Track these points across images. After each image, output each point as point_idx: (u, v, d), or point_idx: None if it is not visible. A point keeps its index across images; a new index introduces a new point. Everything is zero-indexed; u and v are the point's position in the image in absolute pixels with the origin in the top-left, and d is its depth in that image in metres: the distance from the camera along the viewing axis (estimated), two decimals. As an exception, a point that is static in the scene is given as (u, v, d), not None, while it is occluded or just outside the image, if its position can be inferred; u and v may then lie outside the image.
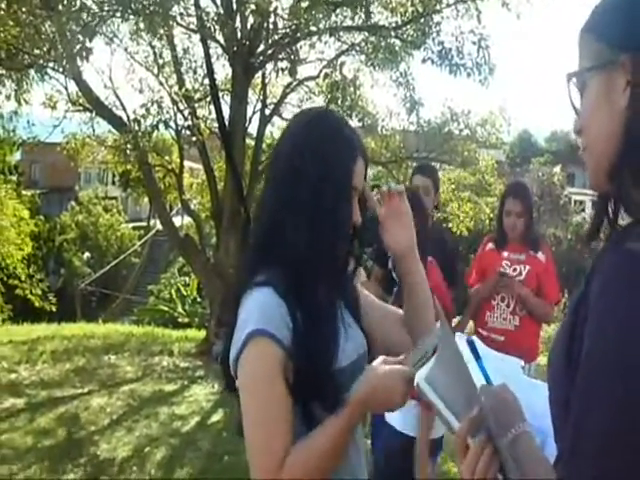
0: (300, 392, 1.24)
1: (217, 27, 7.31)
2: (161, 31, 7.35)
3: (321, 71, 8.98)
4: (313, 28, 7.16)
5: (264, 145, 9.53)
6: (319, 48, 8.72)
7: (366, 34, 8.19)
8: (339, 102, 9.04)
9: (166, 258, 23.38)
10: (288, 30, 7.37)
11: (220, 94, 8.64)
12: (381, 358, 1.25)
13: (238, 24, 7.79)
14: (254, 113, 9.25)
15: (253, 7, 6.75)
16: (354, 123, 9.39)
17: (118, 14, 6.72)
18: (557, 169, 27.48)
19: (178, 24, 7.53)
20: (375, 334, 1.49)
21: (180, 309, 15.80)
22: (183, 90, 8.58)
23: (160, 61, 9.21)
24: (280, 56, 7.75)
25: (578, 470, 0.77)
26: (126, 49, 9.25)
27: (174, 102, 8.62)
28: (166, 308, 16.01)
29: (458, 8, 8.01)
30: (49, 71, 8.72)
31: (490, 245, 3.76)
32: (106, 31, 8.12)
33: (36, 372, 7.26)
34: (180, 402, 6.29)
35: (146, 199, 19.12)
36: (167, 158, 10.21)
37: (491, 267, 3.64)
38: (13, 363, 7.59)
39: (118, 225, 27.16)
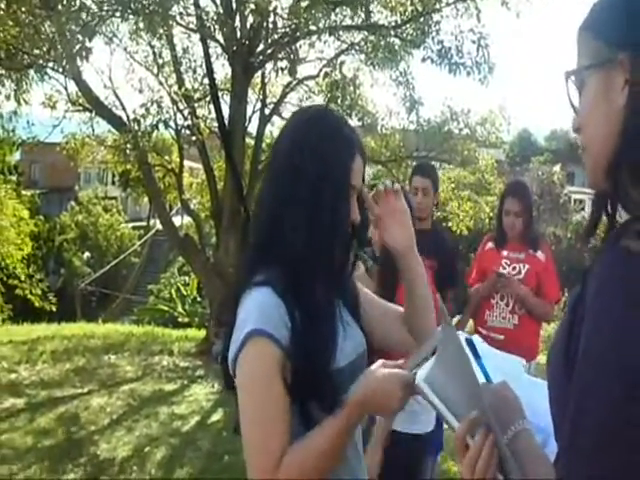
0: (298, 392, 1.24)
1: (217, 27, 7.32)
2: (160, 31, 7.35)
3: (321, 70, 8.98)
4: (313, 27, 7.16)
5: (264, 144, 9.53)
6: (319, 47, 8.74)
7: (366, 33, 8.19)
8: (339, 101, 9.04)
9: (166, 258, 23.39)
10: (288, 29, 7.37)
11: (220, 93, 8.64)
12: (380, 361, 1.25)
13: (238, 23, 7.79)
14: (254, 112, 9.26)
15: (253, 6, 6.75)
16: (354, 122, 9.38)
17: (117, 14, 6.71)
18: (557, 168, 27.49)
19: (178, 24, 7.53)
20: (375, 332, 1.49)
21: (180, 309, 15.80)
22: (183, 90, 8.58)
23: (160, 61, 9.21)
24: (280, 55, 7.74)
25: (575, 467, 0.77)
26: (126, 49, 9.26)
27: (174, 102, 8.62)
28: (166, 308, 16.02)
29: (458, 7, 8.02)
30: (49, 71, 8.71)
31: (490, 244, 3.76)
32: (105, 31, 8.12)
33: (36, 372, 7.26)
34: (180, 402, 6.29)
35: (146, 199, 19.12)
36: (167, 158, 10.21)
37: (491, 266, 3.64)
38: (13, 363, 7.59)
39: (118, 225, 27.17)
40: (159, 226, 18.08)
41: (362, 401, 1.21)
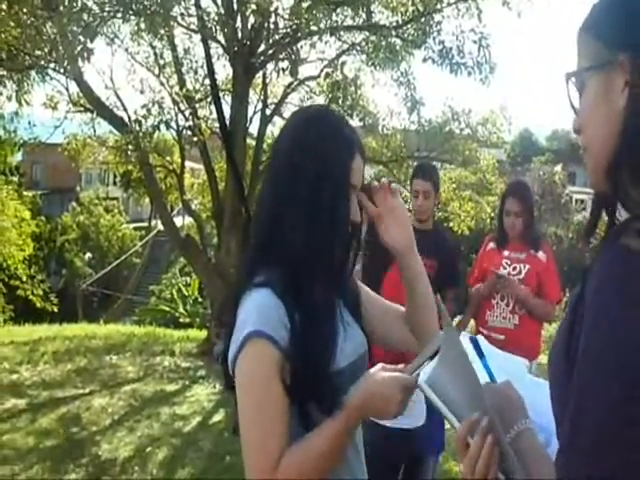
0: (297, 393, 1.24)
1: (218, 27, 7.31)
2: (162, 31, 7.35)
3: (322, 71, 8.98)
4: (314, 28, 7.15)
5: (265, 145, 9.53)
6: (320, 48, 8.72)
7: (367, 33, 8.19)
8: (340, 102, 9.03)
9: (167, 258, 23.41)
10: (289, 30, 7.37)
11: (221, 94, 8.64)
12: (380, 365, 1.24)
13: (239, 24, 7.80)
14: (255, 113, 9.26)
15: (254, 7, 6.75)
16: (355, 123, 9.38)
17: (119, 15, 6.72)
18: (558, 168, 27.48)
19: (179, 24, 7.53)
20: (376, 331, 1.49)
21: (181, 309, 15.82)
22: (184, 90, 8.59)
23: (161, 61, 9.22)
24: (281, 56, 7.74)
25: (574, 466, 0.77)
26: (127, 50, 9.26)
27: (175, 102, 8.63)
28: (167, 308, 16.04)
29: (459, 7, 8.01)
30: (50, 72, 8.73)
31: (491, 244, 3.76)
32: (107, 32, 8.12)
33: (38, 373, 7.27)
34: (181, 402, 6.29)
35: (147, 199, 19.18)
36: (168, 158, 10.22)
37: (492, 266, 3.64)
38: (15, 364, 7.60)
39: (119, 226, 27.19)
40: (160, 227, 18.12)
41: (361, 405, 1.21)
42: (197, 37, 8.19)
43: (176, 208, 17.15)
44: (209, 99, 8.81)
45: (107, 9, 6.63)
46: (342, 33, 8.34)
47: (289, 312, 1.26)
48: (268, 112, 9.26)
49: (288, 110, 9.66)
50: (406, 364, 1.23)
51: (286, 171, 1.34)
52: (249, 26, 7.88)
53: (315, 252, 1.30)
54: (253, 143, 9.41)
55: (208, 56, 8.18)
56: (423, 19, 7.92)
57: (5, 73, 8.47)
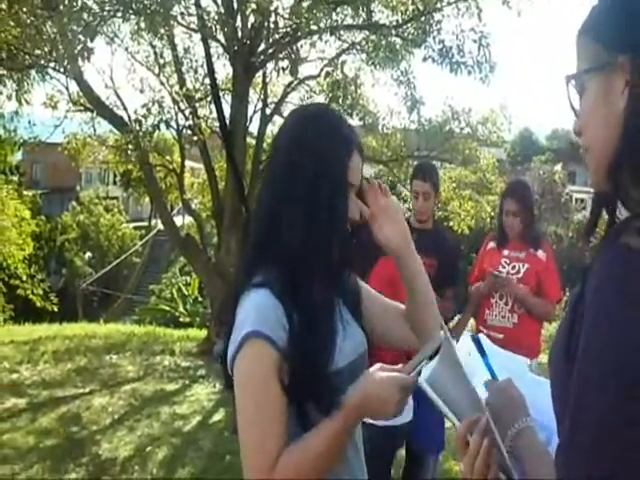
0: (295, 393, 1.24)
1: (218, 26, 7.31)
2: (162, 31, 7.35)
3: (322, 70, 8.98)
4: (314, 27, 7.15)
5: (265, 144, 9.53)
6: (320, 47, 8.72)
7: (367, 33, 8.18)
8: (340, 101, 9.03)
9: (167, 258, 23.41)
10: (289, 29, 7.37)
11: (221, 93, 8.64)
12: (378, 365, 1.24)
13: (239, 23, 7.79)
14: (255, 112, 9.26)
15: (254, 6, 6.74)
16: (355, 122, 9.39)
17: (119, 14, 6.71)
18: (558, 167, 27.47)
19: (179, 24, 7.53)
20: (376, 329, 1.49)
21: (181, 309, 15.82)
22: (184, 90, 8.59)
23: (161, 61, 9.21)
24: (281, 55, 7.74)
25: (574, 464, 0.78)
26: (127, 49, 9.26)
27: (175, 102, 8.63)
28: (167, 308, 16.04)
29: (459, 6, 8.01)
30: (50, 71, 8.73)
31: (491, 244, 3.77)
32: (107, 31, 8.12)
33: (38, 372, 7.27)
34: (182, 401, 6.29)
35: (147, 199, 19.18)
36: (168, 158, 10.22)
37: (491, 265, 3.64)
38: (15, 363, 7.60)
39: (119, 225, 27.20)
40: (160, 226, 18.12)
41: (359, 405, 1.21)
42: (197, 36, 8.20)
43: (176, 207, 17.15)
44: (209, 98, 8.81)
45: (107, 8, 6.63)
46: (342, 32, 8.33)
47: (287, 312, 1.26)
48: (268, 111, 9.26)
49: (288, 109, 9.66)
50: (404, 364, 1.23)
51: (284, 169, 1.34)
52: (249, 25, 7.88)
53: (313, 250, 1.30)
54: (253, 142, 9.41)
55: (208, 55, 8.18)
56: (423, 18, 7.91)
57: (5, 72, 8.46)
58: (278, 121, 9.61)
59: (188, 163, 10.94)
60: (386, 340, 1.54)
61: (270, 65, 8.38)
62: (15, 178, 17.23)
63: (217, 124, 8.59)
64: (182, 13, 7.22)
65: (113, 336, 9.66)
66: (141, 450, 5.04)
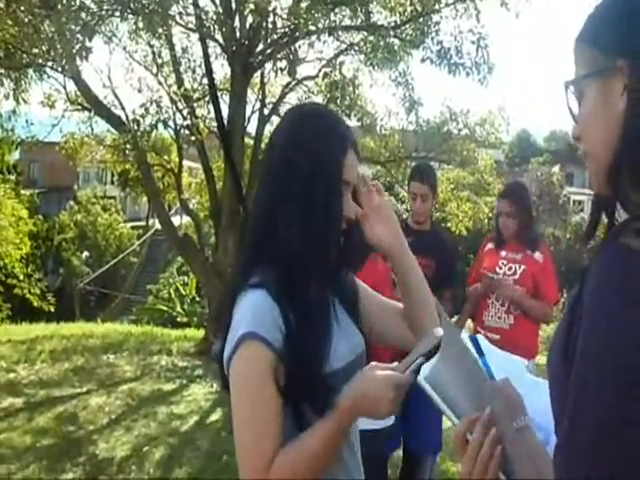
0: (291, 394, 1.24)
1: (216, 26, 7.31)
2: (160, 30, 7.34)
3: (320, 70, 8.99)
4: (312, 27, 7.15)
5: (263, 145, 9.52)
6: (318, 47, 8.72)
7: (365, 33, 8.18)
8: (338, 101, 9.03)
9: (165, 257, 23.40)
10: (287, 29, 7.37)
11: (219, 93, 8.64)
12: (372, 364, 1.25)
13: (237, 23, 7.79)
14: (253, 112, 9.26)
15: (252, 6, 6.75)
16: (353, 122, 9.38)
17: (117, 13, 6.71)
18: (556, 169, 27.55)
19: (177, 23, 7.52)
20: (374, 328, 1.48)
21: (179, 308, 15.81)
22: (182, 89, 8.58)
23: (159, 60, 9.20)
24: (279, 55, 7.74)
25: (572, 465, 0.78)
26: (125, 48, 9.23)
27: (173, 101, 8.62)
28: (165, 307, 16.03)
29: (457, 7, 8.01)
30: (48, 70, 8.72)
31: (490, 245, 3.77)
32: (105, 30, 8.10)
33: (35, 371, 7.26)
34: (179, 401, 6.29)
35: (145, 198, 19.16)
36: (166, 157, 10.21)
37: (489, 267, 3.65)
38: (12, 362, 7.58)
39: (117, 224, 27.17)
40: (158, 226, 18.08)
41: (353, 405, 1.21)
42: (195, 36, 8.19)
43: (174, 207, 17.14)
44: (207, 98, 8.80)
45: (105, 8, 6.62)
46: (340, 33, 8.33)
47: (283, 313, 1.26)
48: (266, 112, 9.25)
49: (286, 110, 9.65)
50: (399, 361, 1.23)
51: (281, 167, 1.34)
52: (247, 25, 7.88)
53: (309, 249, 1.30)
54: (251, 142, 9.40)
55: (206, 55, 8.18)
56: (421, 19, 7.92)
57: (3, 71, 8.45)
58: (276, 121, 9.59)
59: (186, 163, 10.92)
60: (384, 339, 1.54)
61: (268, 65, 8.39)
62: (12, 177, 17.21)
63: (215, 124, 8.59)
64: (180, 13, 7.22)
65: (110, 336, 9.65)
66: (138, 450, 5.03)
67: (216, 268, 8.36)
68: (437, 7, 7.94)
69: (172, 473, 4.66)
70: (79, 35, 6.26)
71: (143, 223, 29.13)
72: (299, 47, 8.02)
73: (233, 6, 7.58)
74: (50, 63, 8.14)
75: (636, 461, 0.73)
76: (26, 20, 6.81)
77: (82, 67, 7.67)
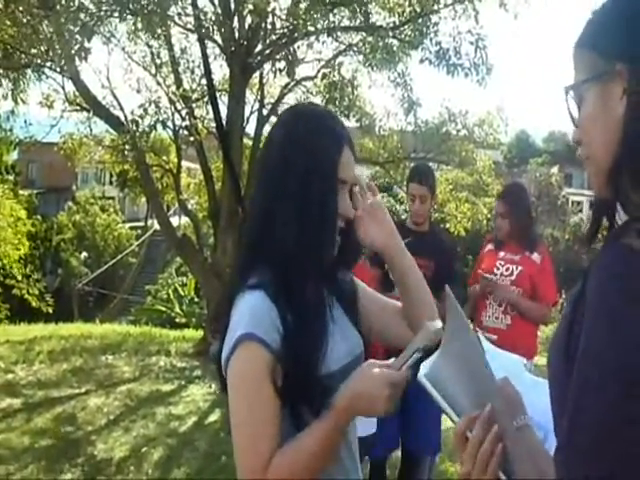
0: (288, 395, 1.24)
1: (215, 27, 7.31)
2: (159, 31, 7.34)
3: (319, 71, 8.99)
4: (311, 28, 7.15)
5: (262, 145, 9.52)
6: (317, 48, 8.72)
7: (364, 34, 8.19)
8: (337, 102, 9.04)
9: (163, 258, 23.40)
10: (286, 30, 7.37)
11: (218, 94, 8.64)
12: (368, 362, 1.25)
13: (236, 24, 7.79)
14: (252, 113, 9.26)
15: (251, 7, 6.74)
16: (352, 123, 9.40)
17: (116, 14, 6.70)
18: (555, 169, 27.59)
19: (176, 24, 7.52)
20: (373, 327, 1.48)
21: (177, 309, 15.81)
22: (181, 90, 8.58)
23: (158, 61, 9.20)
24: (278, 56, 7.74)
25: (573, 464, 0.78)
26: (123, 49, 9.24)
27: (172, 102, 8.61)
28: (163, 308, 16.03)
29: (456, 8, 8.01)
30: (46, 70, 8.71)
31: (489, 246, 3.79)
32: (104, 31, 8.09)
33: (33, 372, 7.25)
34: (177, 402, 6.28)
35: (143, 199, 19.17)
36: (165, 158, 10.21)
37: (487, 267, 3.66)
38: (10, 363, 7.57)
39: (115, 225, 27.17)
40: (157, 226, 18.10)
41: (349, 405, 1.21)
42: (194, 37, 8.19)
43: (172, 208, 17.15)
44: (206, 99, 8.80)
45: (104, 8, 6.62)
46: (339, 34, 8.34)
47: (281, 314, 1.26)
48: (265, 112, 9.25)
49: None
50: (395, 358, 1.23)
51: (278, 165, 1.34)
52: (246, 26, 7.88)
53: (304, 248, 1.30)
54: (250, 143, 9.40)
55: (205, 56, 8.18)
56: (420, 20, 7.92)
57: (1, 71, 8.45)
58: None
59: (184, 163, 10.92)
60: (383, 338, 1.54)
61: (267, 66, 8.39)
62: (11, 177, 17.22)
63: (214, 125, 8.59)
64: (179, 13, 7.22)
65: (109, 336, 9.64)
66: (136, 451, 5.03)
67: (215, 269, 8.35)
68: (436, 8, 7.94)
69: (170, 474, 4.65)
70: (78, 36, 6.26)
71: (142, 224, 29.12)
72: (298, 48, 8.03)
73: (232, 7, 7.57)
74: (49, 63, 8.14)
75: (636, 460, 0.74)
76: (25, 20, 6.81)
77: (81, 67, 7.68)
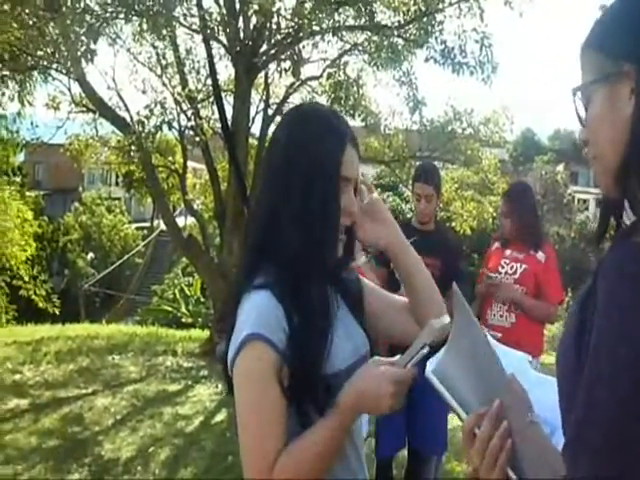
0: (294, 395, 1.24)
1: (220, 28, 7.32)
2: (164, 32, 7.35)
3: (324, 71, 8.98)
4: (316, 28, 7.15)
5: (267, 145, 9.52)
6: (322, 48, 8.71)
7: (369, 33, 8.17)
8: (342, 102, 9.03)
9: (170, 258, 23.45)
10: (291, 30, 7.37)
11: (223, 94, 8.64)
12: (373, 359, 1.25)
13: (241, 24, 7.79)
14: (257, 113, 9.26)
15: (256, 7, 6.75)
16: (357, 123, 9.39)
17: (121, 15, 6.72)
18: (560, 167, 27.51)
19: (181, 25, 7.53)
20: (379, 324, 1.48)
21: (184, 309, 15.84)
22: (186, 91, 8.60)
23: (163, 62, 9.22)
24: (283, 56, 7.75)
25: (581, 460, 0.78)
26: (129, 50, 9.27)
27: (177, 103, 8.63)
28: (170, 308, 16.06)
29: (461, 7, 7.99)
30: (52, 72, 8.75)
31: (497, 244, 3.80)
32: (109, 32, 8.12)
33: (40, 373, 7.28)
34: (184, 402, 6.29)
35: (149, 199, 19.20)
36: (170, 159, 10.23)
37: (493, 265, 3.66)
38: (17, 364, 7.61)
39: (121, 226, 27.25)
40: (163, 227, 18.13)
41: (354, 404, 1.21)
42: (199, 37, 8.19)
43: (178, 208, 17.18)
44: (211, 99, 8.81)
45: (109, 10, 6.64)
46: (344, 33, 8.33)
47: (287, 314, 1.26)
48: (270, 112, 9.26)
49: (288, 109, 9.63)
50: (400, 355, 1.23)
51: (281, 166, 1.34)
52: (251, 26, 7.88)
53: (308, 247, 1.30)
54: (255, 143, 9.41)
55: (210, 56, 8.19)
56: (425, 19, 7.91)
57: (8, 74, 8.49)
58: (280, 122, 9.59)
59: (190, 164, 10.94)
60: (390, 334, 1.53)
61: (272, 66, 8.40)
62: (17, 179, 17.24)
63: (219, 125, 8.60)
64: (184, 14, 7.24)
65: (115, 337, 9.66)
66: (143, 451, 5.04)
67: (221, 269, 8.36)
68: (441, 6, 7.93)
69: (177, 473, 4.66)
70: (84, 37, 6.27)
71: (148, 224, 29.20)
72: (303, 47, 8.02)
73: (237, 7, 7.59)
74: (55, 65, 8.18)
75: None
76: (31, 23, 6.83)
77: (87, 69, 7.70)
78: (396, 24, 8.06)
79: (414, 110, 9.15)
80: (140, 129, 7.65)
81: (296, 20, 6.96)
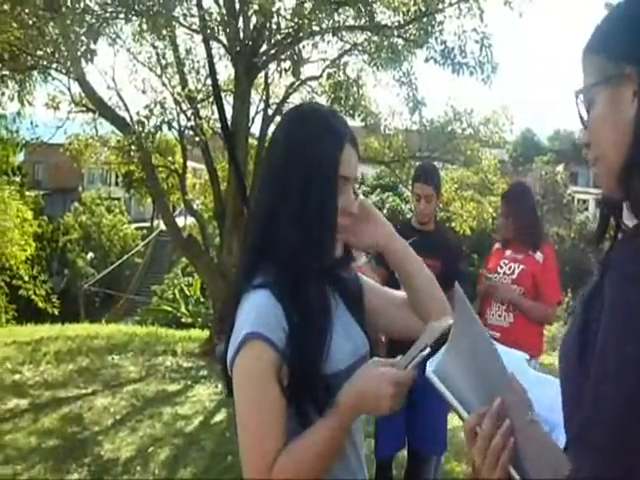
0: (294, 394, 1.24)
1: (220, 28, 7.32)
2: (164, 32, 7.35)
3: (324, 71, 8.99)
4: (316, 28, 7.16)
5: (266, 145, 9.52)
6: (322, 48, 8.72)
7: (369, 34, 8.18)
8: (342, 102, 9.04)
9: (169, 258, 23.45)
10: (291, 30, 7.37)
11: (223, 94, 8.65)
12: (373, 360, 1.25)
13: (241, 24, 7.80)
14: (257, 113, 9.27)
15: (256, 7, 6.75)
16: (357, 123, 9.39)
17: (121, 15, 6.73)
18: (560, 168, 27.52)
19: (181, 25, 7.53)
20: (379, 321, 1.48)
21: (183, 309, 15.84)
22: (186, 91, 8.60)
23: (163, 62, 9.23)
24: (283, 56, 7.75)
25: (585, 459, 0.78)
26: (129, 50, 9.27)
27: (177, 103, 8.64)
28: (169, 308, 16.06)
29: (461, 7, 8.00)
30: (52, 72, 8.75)
31: (497, 244, 3.80)
32: (109, 32, 8.12)
33: (40, 372, 7.28)
34: (183, 402, 6.29)
35: (149, 199, 19.19)
36: (170, 158, 10.24)
37: (493, 266, 3.66)
38: (17, 364, 7.61)
39: (121, 225, 27.25)
40: (162, 227, 18.14)
41: (353, 404, 1.21)
42: (199, 37, 8.20)
43: (178, 208, 17.17)
44: (211, 99, 8.82)
45: (109, 10, 6.64)
46: (344, 33, 8.34)
47: (287, 313, 1.26)
48: (270, 112, 9.26)
49: (288, 110, 9.63)
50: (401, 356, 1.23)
51: (280, 165, 1.34)
52: (251, 26, 7.88)
53: (306, 246, 1.30)
54: (255, 143, 9.41)
55: (210, 56, 8.19)
56: (425, 19, 7.92)
57: (7, 73, 8.49)
58: (280, 122, 9.59)
59: (190, 164, 10.95)
60: (390, 330, 1.54)
61: (272, 66, 8.40)
62: (17, 179, 17.24)
63: (219, 125, 8.60)
64: (184, 14, 7.24)
65: (115, 337, 9.66)
66: (143, 451, 5.04)
67: (220, 269, 8.36)
68: (441, 7, 7.93)
69: (177, 474, 4.66)
70: (83, 37, 6.27)
71: (147, 224, 29.20)
72: (303, 47, 8.03)
73: (237, 7, 7.59)
74: (55, 65, 8.18)
75: None
76: (31, 22, 6.83)
77: (86, 69, 7.70)
78: (396, 24, 8.06)
79: (414, 110, 9.16)
80: (140, 129, 7.65)
81: (296, 20, 6.97)
